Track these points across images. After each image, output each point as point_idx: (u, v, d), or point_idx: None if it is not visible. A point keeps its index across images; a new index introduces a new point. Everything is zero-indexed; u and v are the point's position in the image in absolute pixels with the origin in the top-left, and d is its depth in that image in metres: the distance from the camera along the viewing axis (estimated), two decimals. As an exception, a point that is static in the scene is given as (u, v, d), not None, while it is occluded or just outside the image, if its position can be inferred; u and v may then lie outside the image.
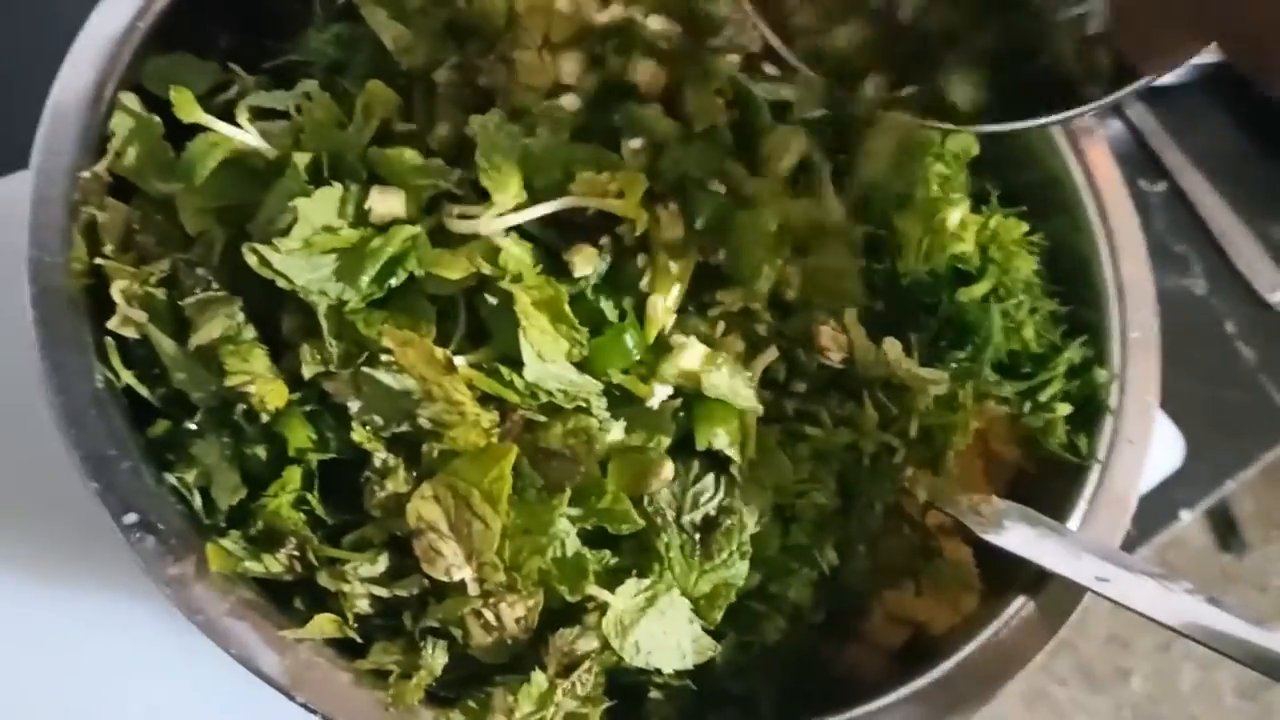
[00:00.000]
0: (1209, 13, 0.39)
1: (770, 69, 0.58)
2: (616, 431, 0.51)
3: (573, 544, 0.50)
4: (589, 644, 0.50)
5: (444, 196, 0.52)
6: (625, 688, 0.53)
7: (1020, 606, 0.57)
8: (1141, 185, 0.99)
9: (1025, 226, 0.65)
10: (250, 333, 0.51)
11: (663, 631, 0.50)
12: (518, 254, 0.50)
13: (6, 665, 0.62)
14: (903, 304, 0.62)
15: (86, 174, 0.55)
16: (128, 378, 0.52)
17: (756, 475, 0.53)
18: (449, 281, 0.50)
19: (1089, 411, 0.63)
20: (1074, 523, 0.60)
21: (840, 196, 0.58)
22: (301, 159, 0.51)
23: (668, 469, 0.51)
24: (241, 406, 0.51)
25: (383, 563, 0.50)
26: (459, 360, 0.49)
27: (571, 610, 0.50)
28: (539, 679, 0.48)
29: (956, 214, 0.62)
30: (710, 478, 0.53)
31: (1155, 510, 0.85)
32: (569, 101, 0.55)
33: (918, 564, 0.59)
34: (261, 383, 0.50)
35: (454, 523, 0.48)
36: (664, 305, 0.52)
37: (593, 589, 0.50)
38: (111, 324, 0.52)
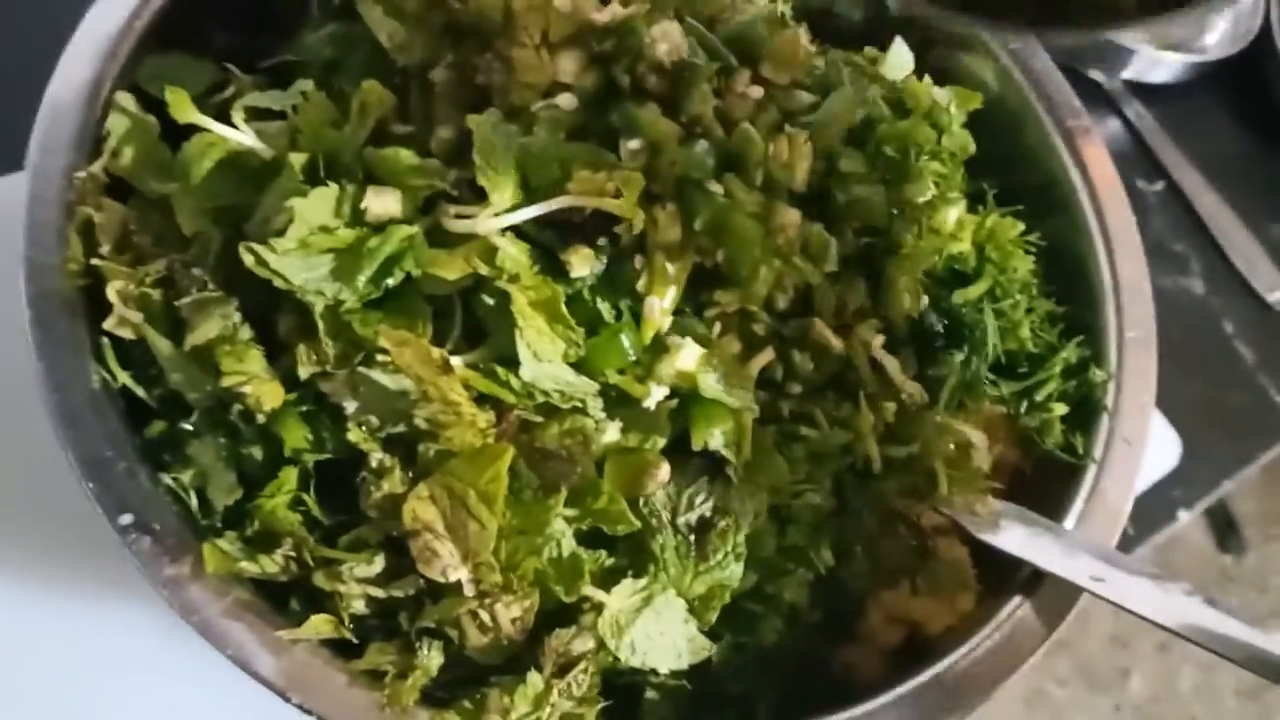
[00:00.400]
0: None
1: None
2: (612, 432, 0.51)
3: (568, 544, 0.50)
4: (585, 644, 0.50)
5: (440, 196, 0.52)
6: (621, 688, 0.53)
7: (1017, 606, 0.57)
8: (1139, 184, 0.98)
9: (1022, 226, 0.65)
10: (246, 333, 0.51)
11: (658, 632, 0.51)
12: (514, 254, 0.50)
13: (3, 666, 0.62)
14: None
15: (82, 174, 0.55)
16: (124, 378, 0.52)
17: (752, 476, 0.53)
18: (445, 281, 0.50)
19: (1085, 411, 0.63)
20: (1070, 523, 0.60)
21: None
22: (298, 159, 0.51)
23: (664, 470, 0.52)
24: (238, 407, 0.51)
25: (379, 563, 0.50)
26: (455, 360, 0.49)
27: (567, 611, 0.50)
28: (535, 679, 0.48)
29: (953, 213, 0.61)
30: (706, 479, 0.53)
31: (1154, 510, 0.84)
32: (566, 101, 0.55)
33: (914, 564, 0.59)
34: (257, 383, 0.50)
35: (450, 523, 0.48)
36: (660, 306, 0.52)
37: (588, 589, 0.50)
38: (108, 324, 0.52)
